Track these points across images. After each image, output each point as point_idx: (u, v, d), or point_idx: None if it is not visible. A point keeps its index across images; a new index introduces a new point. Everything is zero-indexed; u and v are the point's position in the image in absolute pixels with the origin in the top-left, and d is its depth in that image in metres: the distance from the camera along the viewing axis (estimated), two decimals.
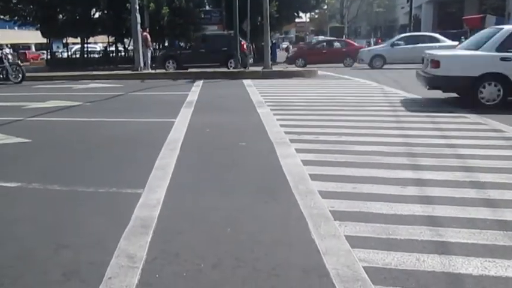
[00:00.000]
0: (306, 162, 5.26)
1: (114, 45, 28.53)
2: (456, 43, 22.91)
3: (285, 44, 53.29)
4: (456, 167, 4.97)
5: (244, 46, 20.66)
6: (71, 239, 3.46)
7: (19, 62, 17.96)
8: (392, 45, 21.62)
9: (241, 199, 4.22)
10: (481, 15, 32.99)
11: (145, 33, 19.69)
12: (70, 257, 3.17)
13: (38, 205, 4.24)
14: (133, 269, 2.94)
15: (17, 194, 4.57)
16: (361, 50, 23.26)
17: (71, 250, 3.28)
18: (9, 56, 17.57)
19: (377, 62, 21.23)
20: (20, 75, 17.23)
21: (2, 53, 17.50)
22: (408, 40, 22.46)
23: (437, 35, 22.70)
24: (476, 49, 9.08)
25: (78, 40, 29.18)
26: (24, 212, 4.09)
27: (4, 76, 17.04)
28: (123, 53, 28.24)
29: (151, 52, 20.31)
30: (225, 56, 20.07)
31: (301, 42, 50.14)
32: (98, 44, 38.78)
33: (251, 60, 20.92)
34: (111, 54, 27.98)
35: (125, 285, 2.76)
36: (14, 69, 17.19)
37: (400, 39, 22.68)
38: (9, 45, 16.96)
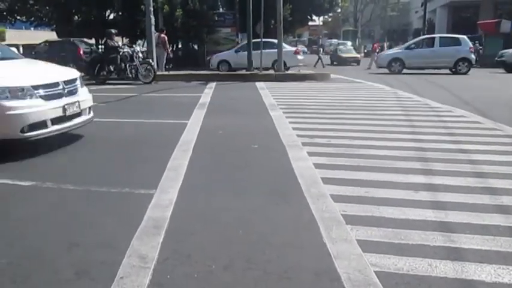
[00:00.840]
0: (318, 166, 5.25)
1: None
2: (294, 48, 24.37)
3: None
4: (469, 173, 4.94)
5: (81, 52, 21.08)
6: (83, 238, 3.49)
7: (150, 60, 17.00)
8: (236, 51, 22.56)
9: (253, 201, 4.22)
10: (496, 20, 32.74)
11: (163, 35, 19.74)
12: (82, 256, 3.19)
13: (51, 204, 4.28)
14: (145, 269, 2.96)
15: (31, 193, 4.62)
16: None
17: (83, 249, 3.31)
18: (140, 54, 16.71)
19: (223, 67, 22.57)
20: (151, 75, 16.36)
21: (132, 51, 16.63)
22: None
23: (275, 41, 23.57)
24: None
25: (93, 41, 29.47)
26: (37, 210, 4.13)
27: (134, 76, 16.27)
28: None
29: (168, 54, 20.31)
30: (63, 62, 20.41)
31: (313, 46, 50.08)
32: None
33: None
34: None
35: (137, 285, 2.78)
36: (145, 68, 16.37)
37: (242, 46, 23.33)
38: (138, 42, 16.54)
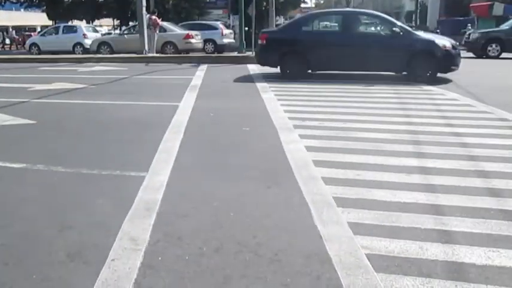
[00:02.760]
0: (309, 148, 5.24)
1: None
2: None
3: None
4: (461, 156, 4.95)
5: None
6: (74, 220, 3.47)
7: None
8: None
9: (244, 184, 4.21)
10: (489, 3, 32.63)
11: (154, 17, 19.52)
12: (74, 239, 3.18)
13: (42, 186, 4.25)
14: (136, 252, 2.95)
15: (22, 175, 4.58)
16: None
17: (75, 231, 3.29)
18: None
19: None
20: None
21: None
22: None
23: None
24: None
25: (84, 23, 29.19)
26: (28, 193, 4.10)
27: None
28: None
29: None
30: None
31: None
32: (102, 27, 38.68)
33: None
34: None
35: (128, 267, 2.77)
36: None
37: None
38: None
